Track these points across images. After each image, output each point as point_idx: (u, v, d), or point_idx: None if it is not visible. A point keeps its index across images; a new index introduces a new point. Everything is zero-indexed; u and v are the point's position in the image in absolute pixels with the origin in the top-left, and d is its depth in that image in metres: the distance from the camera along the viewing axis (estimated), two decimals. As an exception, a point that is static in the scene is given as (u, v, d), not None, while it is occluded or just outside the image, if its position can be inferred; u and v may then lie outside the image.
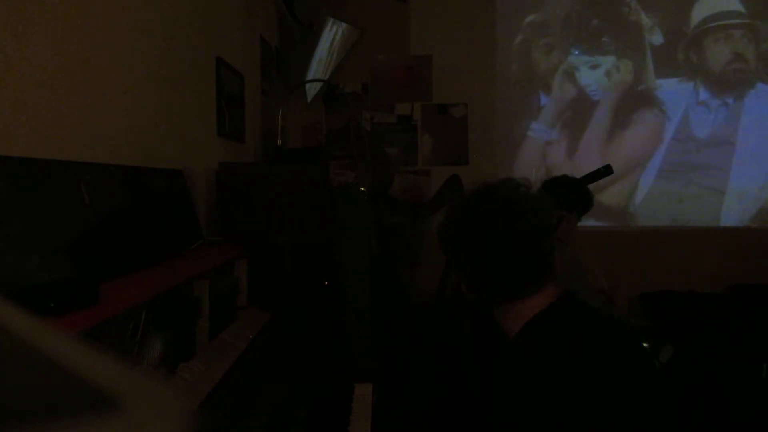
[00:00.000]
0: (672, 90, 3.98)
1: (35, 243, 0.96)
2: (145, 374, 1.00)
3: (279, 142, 2.69)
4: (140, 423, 0.28)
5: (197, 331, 1.37)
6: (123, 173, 1.34)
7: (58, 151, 1.16)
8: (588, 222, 2.44)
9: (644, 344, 1.74)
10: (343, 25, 3.86)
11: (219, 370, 1.22)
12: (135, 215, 1.34)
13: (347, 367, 2.16)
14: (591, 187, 2.50)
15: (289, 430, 1.48)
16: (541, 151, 4.06)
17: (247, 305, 1.75)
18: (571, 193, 2.37)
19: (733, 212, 3.98)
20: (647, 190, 4.02)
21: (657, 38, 3.96)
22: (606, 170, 2.59)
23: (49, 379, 0.28)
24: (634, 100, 4.01)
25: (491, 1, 4.01)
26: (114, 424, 0.26)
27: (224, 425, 1.23)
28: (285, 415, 1.52)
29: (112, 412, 0.27)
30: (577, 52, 4.00)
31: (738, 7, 3.94)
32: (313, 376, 1.83)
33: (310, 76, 3.79)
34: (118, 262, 1.17)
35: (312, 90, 3.87)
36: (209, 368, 1.20)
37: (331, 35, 3.86)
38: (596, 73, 4.01)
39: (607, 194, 3.91)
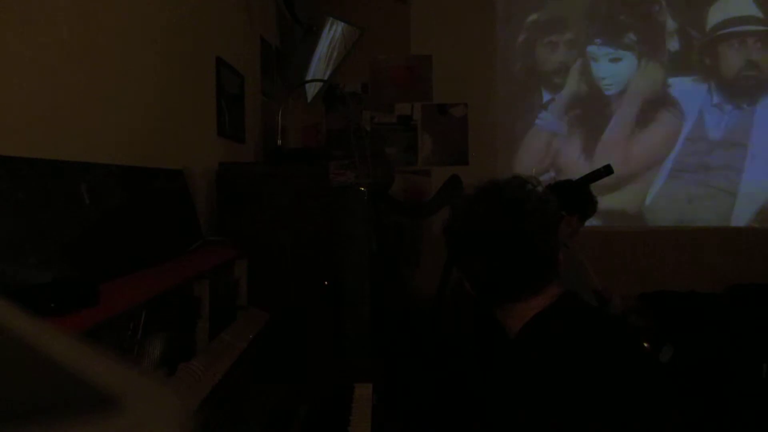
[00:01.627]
0: (687, 90, 3.96)
1: (35, 243, 0.96)
2: (145, 374, 1.00)
3: (279, 142, 2.69)
4: (140, 423, 0.28)
5: (197, 331, 1.37)
6: (123, 173, 1.34)
7: (58, 151, 1.16)
8: (595, 222, 2.43)
9: (644, 344, 1.74)
10: (343, 24, 3.86)
11: (219, 370, 1.22)
12: (135, 215, 1.34)
13: (347, 367, 2.16)
14: (598, 186, 2.49)
15: (289, 430, 1.48)
16: (543, 150, 4.05)
17: (247, 305, 1.75)
18: (572, 196, 2.37)
19: (743, 214, 3.97)
20: (657, 190, 4.00)
21: (674, 43, 3.96)
22: (606, 170, 2.58)
23: (49, 379, 0.28)
24: (650, 100, 3.99)
25: (491, 0, 4.01)
26: (114, 424, 0.26)
27: (224, 425, 1.23)
28: (285, 415, 1.52)
29: (112, 412, 0.27)
30: (600, 41, 3.97)
31: (755, 12, 3.93)
32: (313, 376, 1.83)
33: (310, 76, 3.79)
34: (118, 262, 1.17)
35: (312, 90, 3.87)
36: (209, 368, 1.20)
37: (331, 35, 3.86)
38: (615, 67, 3.99)
39: (617, 194, 3.91)
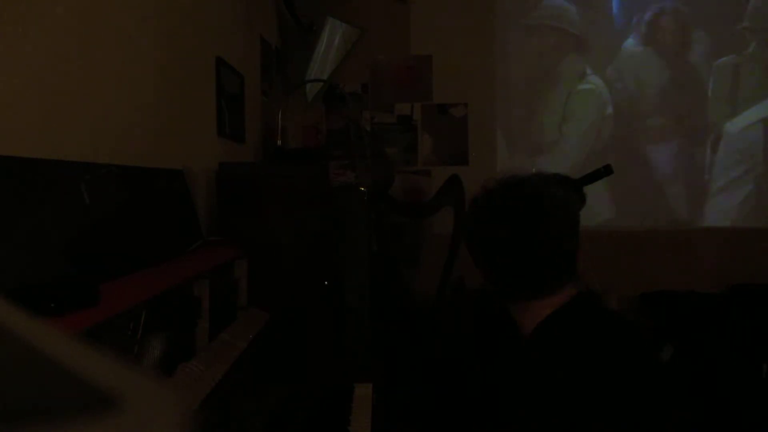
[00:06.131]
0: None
1: (36, 243, 0.96)
2: (145, 374, 1.00)
3: (279, 142, 2.69)
4: (140, 423, 0.28)
5: (197, 331, 1.37)
6: (123, 173, 1.34)
7: (58, 151, 1.16)
8: (595, 222, 2.42)
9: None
10: (343, 25, 3.86)
11: (219, 370, 1.22)
12: (135, 215, 1.34)
13: (347, 367, 2.16)
14: (598, 186, 2.49)
15: (289, 430, 1.48)
16: (543, 150, 4.05)
17: (247, 305, 1.75)
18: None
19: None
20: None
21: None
22: (606, 170, 2.56)
23: (49, 379, 0.28)
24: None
25: (491, 0, 4.01)
26: (114, 424, 0.26)
27: (224, 425, 1.23)
28: (285, 414, 1.52)
29: (112, 412, 0.27)
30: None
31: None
32: (313, 376, 1.83)
33: (310, 76, 3.79)
34: (118, 262, 1.17)
35: (312, 90, 3.86)
36: (209, 368, 1.20)
37: (331, 35, 3.86)
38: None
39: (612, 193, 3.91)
